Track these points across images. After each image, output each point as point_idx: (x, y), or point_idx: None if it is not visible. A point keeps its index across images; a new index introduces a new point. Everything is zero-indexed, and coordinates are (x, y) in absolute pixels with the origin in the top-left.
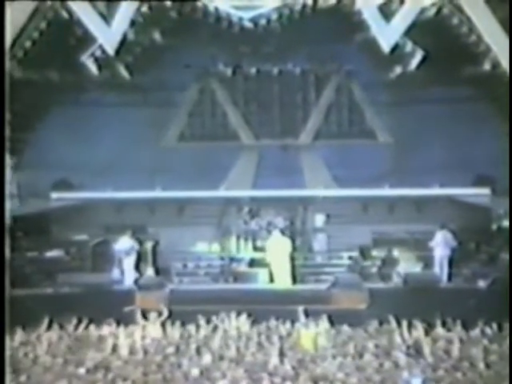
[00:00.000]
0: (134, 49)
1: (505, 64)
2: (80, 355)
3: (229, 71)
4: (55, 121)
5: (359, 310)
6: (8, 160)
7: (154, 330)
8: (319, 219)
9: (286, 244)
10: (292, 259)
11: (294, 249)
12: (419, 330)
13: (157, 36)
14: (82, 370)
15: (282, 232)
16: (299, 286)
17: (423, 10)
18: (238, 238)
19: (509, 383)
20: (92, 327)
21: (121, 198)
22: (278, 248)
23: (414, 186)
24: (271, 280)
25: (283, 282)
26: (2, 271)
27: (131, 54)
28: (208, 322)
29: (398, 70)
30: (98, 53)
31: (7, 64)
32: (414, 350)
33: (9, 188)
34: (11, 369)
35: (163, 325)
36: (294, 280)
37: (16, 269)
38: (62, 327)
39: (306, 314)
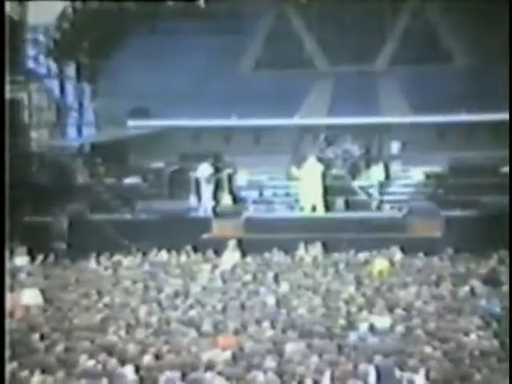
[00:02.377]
0: None
1: None
2: (159, 281)
3: None
4: (131, 49)
5: (435, 238)
6: (86, 88)
7: (231, 257)
8: (395, 146)
9: (318, 170)
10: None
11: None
12: (495, 259)
13: None
14: (162, 296)
15: (319, 159)
16: (375, 214)
17: None
18: None
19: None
20: (171, 254)
21: (197, 126)
22: (310, 175)
23: (492, 110)
24: (327, 208)
25: (315, 207)
26: (2, 267)
27: None
28: (284, 250)
29: None
30: None
31: None
32: (490, 278)
33: (86, 116)
34: (95, 291)
35: (240, 253)
36: (327, 208)
37: (94, 195)
38: (141, 253)
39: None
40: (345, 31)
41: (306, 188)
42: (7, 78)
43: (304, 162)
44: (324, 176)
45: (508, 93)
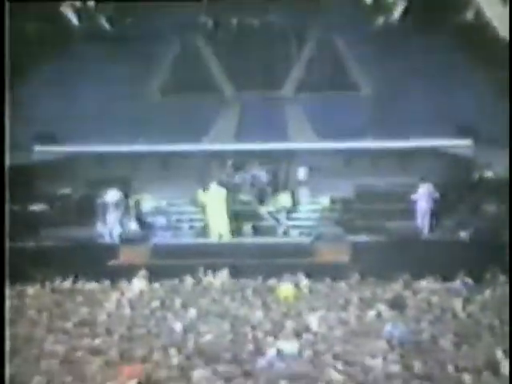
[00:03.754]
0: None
1: (488, 14)
2: (66, 310)
3: (210, 24)
4: (38, 74)
5: (342, 263)
6: None
7: (138, 284)
8: (302, 172)
9: (222, 196)
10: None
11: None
12: (401, 283)
13: None
14: (68, 325)
15: (225, 184)
16: (283, 239)
17: None
18: None
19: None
20: (77, 281)
21: (104, 152)
22: (215, 200)
23: (397, 138)
24: (234, 234)
25: (221, 234)
26: (3, 261)
27: (112, 5)
28: (192, 276)
29: (381, 20)
30: (78, 3)
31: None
32: (396, 302)
33: None
34: None
35: (148, 279)
36: (235, 234)
37: None
38: (47, 281)
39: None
40: (251, 58)
41: (211, 214)
42: None
43: (206, 187)
44: (230, 201)
45: None
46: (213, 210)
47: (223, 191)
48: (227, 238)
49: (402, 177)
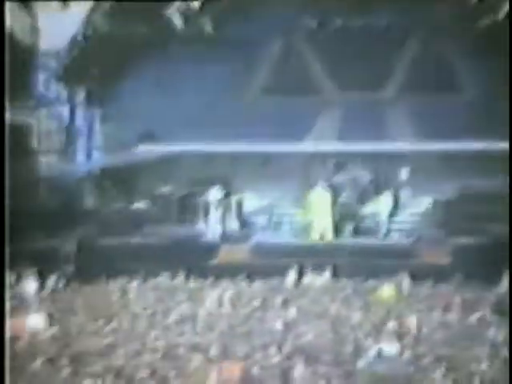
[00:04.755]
0: (220, 3)
1: None
2: (167, 306)
3: (313, 25)
4: (141, 74)
5: (443, 265)
6: (95, 112)
7: (239, 282)
8: (404, 173)
9: (326, 197)
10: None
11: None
12: (504, 286)
13: None
14: (169, 321)
15: (328, 185)
16: (384, 241)
17: None
18: None
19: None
20: (178, 278)
21: (206, 151)
22: (320, 200)
23: (501, 139)
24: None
25: (322, 234)
26: (2, 264)
27: (216, 8)
28: (292, 275)
29: (486, 20)
30: (184, 7)
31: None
32: (500, 306)
33: (96, 140)
34: (104, 315)
35: (248, 278)
36: (336, 234)
37: (103, 219)
38: (148, 277)
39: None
40: (353, 59)
41: (315, 215)
42: (17, 104)
43: (312, 188)
44: (333, 202)
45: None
46: (317, 210)
47: (328, 192)
48: (329, 238)
49: (505, 178)
